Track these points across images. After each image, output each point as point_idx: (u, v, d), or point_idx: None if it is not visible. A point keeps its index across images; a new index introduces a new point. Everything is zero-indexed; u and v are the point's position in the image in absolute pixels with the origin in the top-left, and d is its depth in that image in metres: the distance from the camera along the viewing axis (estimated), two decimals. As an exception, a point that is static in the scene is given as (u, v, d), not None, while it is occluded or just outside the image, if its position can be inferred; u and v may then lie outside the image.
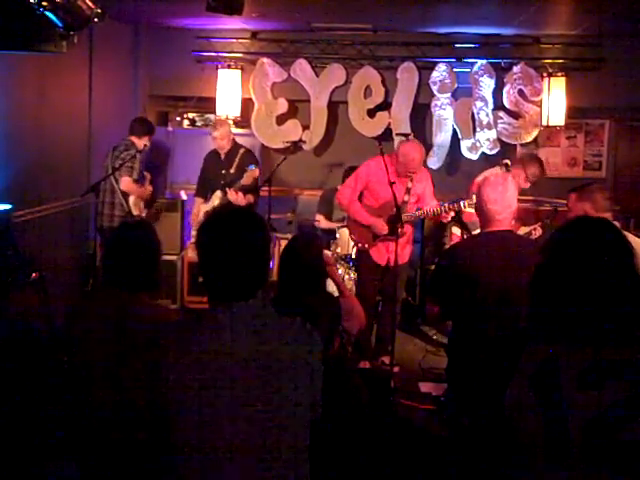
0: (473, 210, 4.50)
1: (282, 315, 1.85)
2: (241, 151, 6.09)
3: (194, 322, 1.83)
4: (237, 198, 5.84)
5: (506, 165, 5.25)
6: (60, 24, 3.69)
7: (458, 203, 4.80)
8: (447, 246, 5.90)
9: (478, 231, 4.86)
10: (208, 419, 1.72)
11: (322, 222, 6.39)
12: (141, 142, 5.84)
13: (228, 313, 1.76)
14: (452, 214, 5.00)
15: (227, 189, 5.90)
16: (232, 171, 6.00)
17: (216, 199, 6.01)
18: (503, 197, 3.05)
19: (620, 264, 1.68)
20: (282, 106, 7.05)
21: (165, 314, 2.72)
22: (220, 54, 7.04)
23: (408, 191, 5.00)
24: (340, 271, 5.70)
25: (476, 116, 6.91)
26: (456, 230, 5.84)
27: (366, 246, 5.19)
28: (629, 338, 1.66)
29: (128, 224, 3.01)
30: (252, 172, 5.78)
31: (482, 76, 6.84)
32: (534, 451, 1.64)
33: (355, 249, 5.52)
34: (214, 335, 1.75)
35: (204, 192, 6.17)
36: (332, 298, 3.36)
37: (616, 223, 3.55)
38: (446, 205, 4.90)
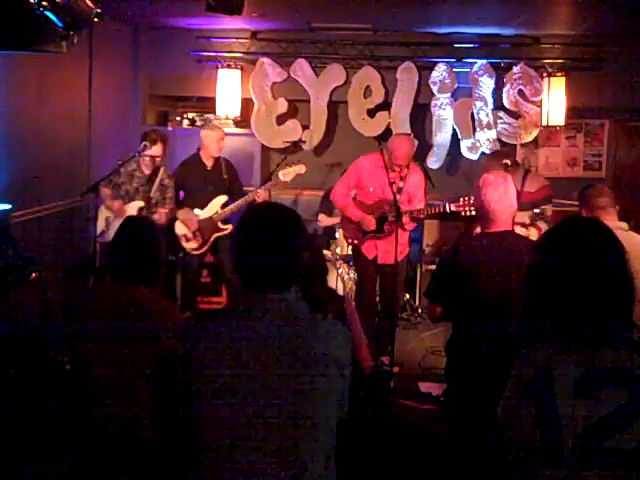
0: (461, 212, 4.57)
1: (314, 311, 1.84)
2: (221, 159, 5.90)
3: (227, 312, 1.84)
4: (267, 196, 5.64)
5: (505, 165, 5.26)
6: (60, 24, 3.68)
7: (442, 206, 4.80)
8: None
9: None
10: (238, 412, 1.70)
11: (323, 220, 6.44)
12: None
13: (262, 304, 1.77)
14: (414, 225, 5.04)
15: (258, 189, 5.67)
16: (225, 177, 5.82)
17: (219, 203, 5.80)
18: (505, 197, 3.06)
19: (611, 264, 1.67)
20: (282, 106, 7.05)
21: (170, 308, 2.73)
22: (220, 54, 7.04)
23: (399, 191, 5.00)
24: (340, 270, 5.71)
25: (476, 116, 6.91)
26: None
27: (355, 242, 5.22)
28: (622, 340, 1.65)
29: (132, 218, 3.04)
30: (299, 167, 5.64)
31: (482, 76, 6.84)
32: (528, 456, 1.64)
33: (350, 246, 5.54)
34: (247, 324, 1.75)
35: (194, 202, 5.85)
36: (336, 295, 3.35)
37: (623, 224, 3.60)
38: (431, 208, 4.92)
